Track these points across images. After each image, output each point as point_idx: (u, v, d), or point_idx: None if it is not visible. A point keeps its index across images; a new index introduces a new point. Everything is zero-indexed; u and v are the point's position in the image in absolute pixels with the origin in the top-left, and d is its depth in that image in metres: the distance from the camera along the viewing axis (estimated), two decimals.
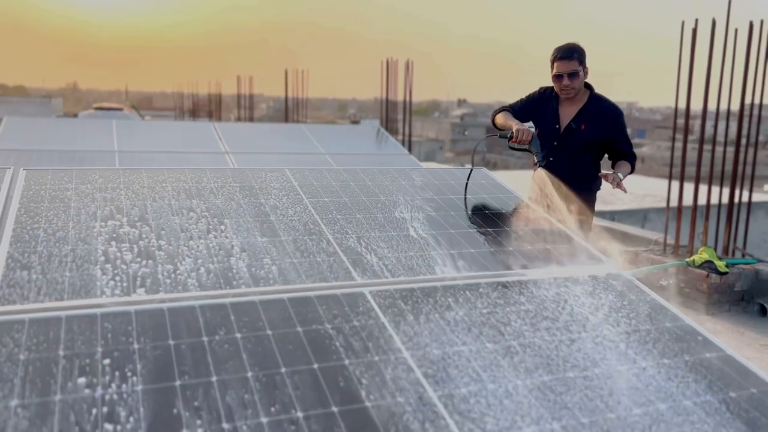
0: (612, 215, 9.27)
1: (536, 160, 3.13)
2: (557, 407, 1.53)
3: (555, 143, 3.46)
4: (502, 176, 3.27)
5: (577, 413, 1.52)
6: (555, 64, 3.37)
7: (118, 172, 2.40)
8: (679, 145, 5.14)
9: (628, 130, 3.61)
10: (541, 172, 3.07)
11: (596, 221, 6.89)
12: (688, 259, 4.58)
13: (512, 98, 3.76)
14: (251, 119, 16.25)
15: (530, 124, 3.44)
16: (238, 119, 17.02)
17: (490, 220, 2.50)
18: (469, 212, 2.55)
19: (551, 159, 3.40)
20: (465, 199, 2.67)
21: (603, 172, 3.40)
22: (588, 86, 3.46)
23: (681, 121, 5.16)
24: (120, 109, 18.97)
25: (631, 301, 2.06)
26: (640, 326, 1.93)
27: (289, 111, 14.10)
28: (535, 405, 1.53)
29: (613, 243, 2.62)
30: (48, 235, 1.92)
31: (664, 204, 8.27)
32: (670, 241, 5.16)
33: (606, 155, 3.56)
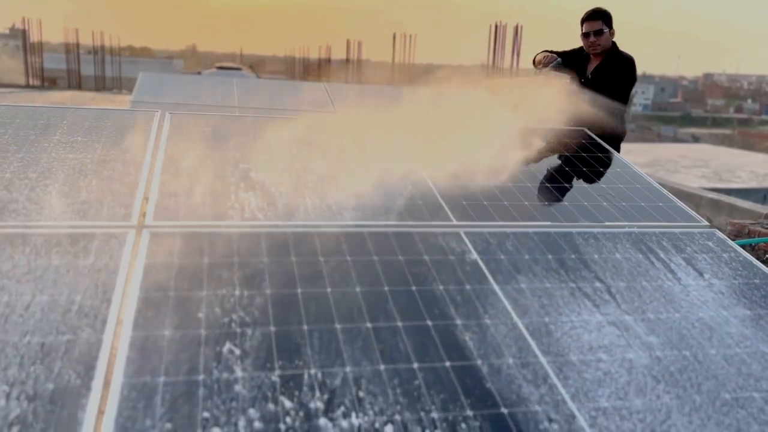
0: (728, 192, 8.86)
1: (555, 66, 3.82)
2: (647, 348, 1.66)
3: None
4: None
5: (667, 352, 1.64)
6: (583, 25, 3.75)
7: (247, 121, 2.69)
8: None
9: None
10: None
11: (704, 193, 6.63)
12: None
13: None
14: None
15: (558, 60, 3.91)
16: (347, 82, 17.40)
17: (588, 175, 2.59)
18: (567, 168, 2.65)
19: None
20: (564, 156, 2.76)
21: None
22: (613, 45, 3.78)
23: None
24: (239, 69, 19.94)
25: (724, 259, 2.11)
26: (732, 281, 1.99)
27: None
28: (615, 338, 1.66)
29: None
30: (190, 170, 2.23)
31: None
32: None
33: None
